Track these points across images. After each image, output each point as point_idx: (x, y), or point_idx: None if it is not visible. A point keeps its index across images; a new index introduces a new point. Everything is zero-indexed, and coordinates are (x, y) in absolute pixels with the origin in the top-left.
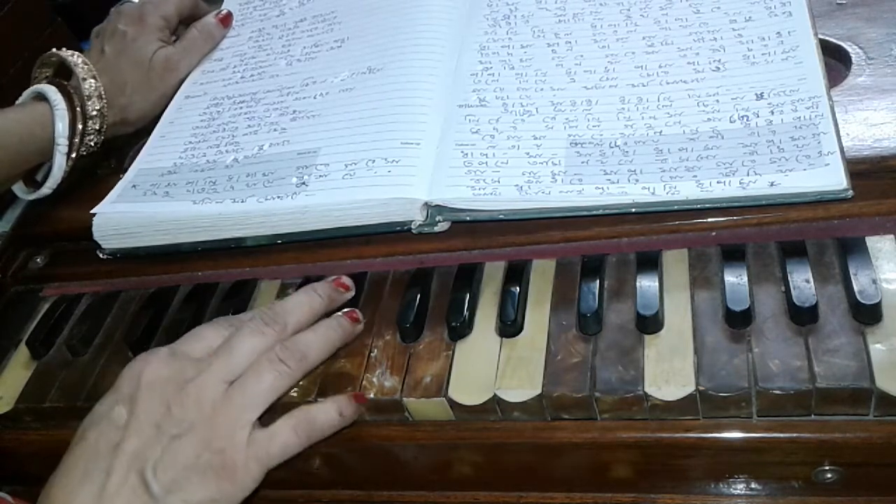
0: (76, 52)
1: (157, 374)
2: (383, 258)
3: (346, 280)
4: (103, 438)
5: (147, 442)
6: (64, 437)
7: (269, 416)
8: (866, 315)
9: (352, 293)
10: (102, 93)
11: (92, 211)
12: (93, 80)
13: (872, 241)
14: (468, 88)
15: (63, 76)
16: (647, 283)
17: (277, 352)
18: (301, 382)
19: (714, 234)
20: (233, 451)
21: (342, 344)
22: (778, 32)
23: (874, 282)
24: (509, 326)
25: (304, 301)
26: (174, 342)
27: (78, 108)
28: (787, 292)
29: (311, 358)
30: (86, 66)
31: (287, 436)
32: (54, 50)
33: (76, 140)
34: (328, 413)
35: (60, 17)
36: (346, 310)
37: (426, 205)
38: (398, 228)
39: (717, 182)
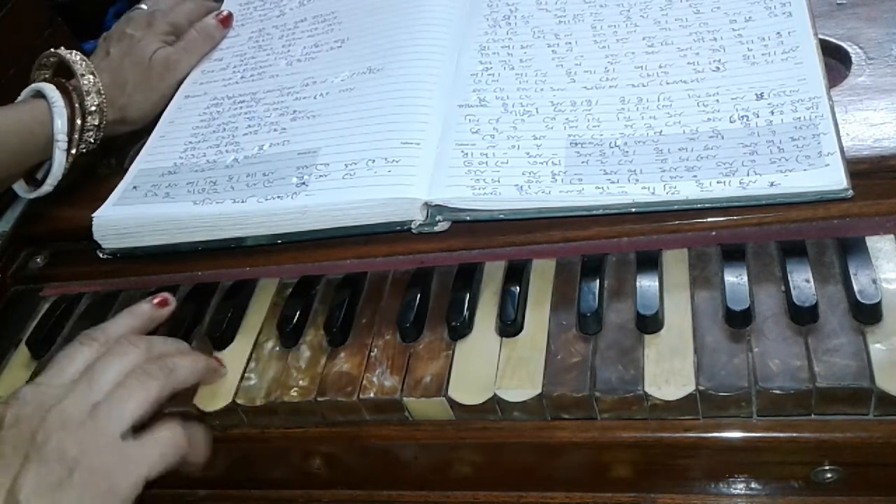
0: (74, 51)
1: (19, 412)
2: (383, 258)
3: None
4: None
5: (16, 472)
6: None
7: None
8: (866, 315)
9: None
10: (101, 88)
11: (93, 215)
12: (91, 76)
13: (872, 241)
14: (468, 88)
15: (62, 76)
16: (647, 283)
17: (144, 366)
18: (301, 382)
19: (714, 233)
20: (106, 462)
21: (207, 378)
22: (778, 32)
23: (874, 282)
24: (509, 326)
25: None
26: (39, 375)
27: (76, 105)
28: (787, 292)
29: (179, 374)
30: (83, 63)
31: (162, 443)
32: (52, 50)
33: (75, 136)
34: (200, 432)
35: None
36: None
37: (426, 205)
38: (398, 228)
39: (717, 182)
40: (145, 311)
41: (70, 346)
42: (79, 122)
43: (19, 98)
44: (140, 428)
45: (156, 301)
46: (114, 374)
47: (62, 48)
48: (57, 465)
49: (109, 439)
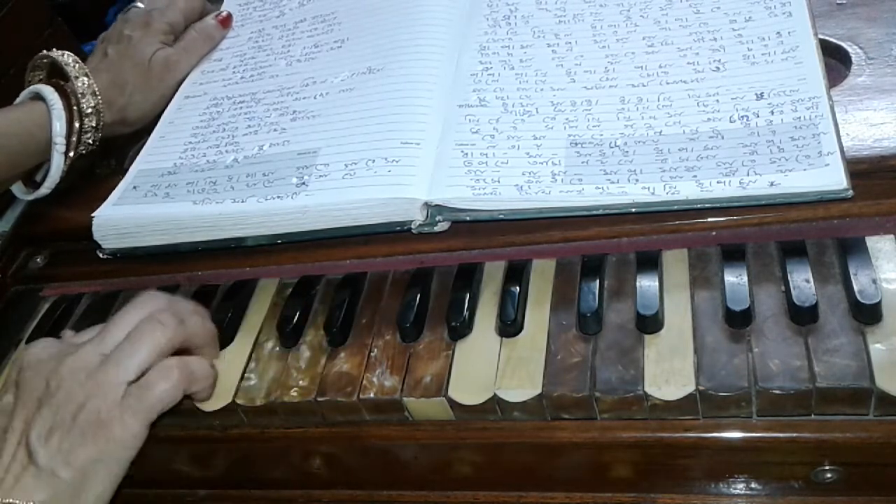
0: (67, 52)
1: (37, 356)
2: (383, 258)
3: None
4: None
5: (30, 417)
6: None
7: None
8: (866, 315)
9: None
10: (96, 90)
11: (93, 214)
12: (85, 78)
13: (872, 241)
14: (468, 88)
15: (58, 77)
16: (647, 283)
17: (157, 315)
18: (301, 382)
19: (714, 234)
20: (107, 409)
21: (213, 347)
22: (778, 32)
23: (874, 282)
24: (509, 326)
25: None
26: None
27: (75, 108)
28: (787, 292)
29: (189, 326)
30: (77, 65)
31: (160, 384)
32: (45, 51)
33: (73, 139)
34: (201, 363)
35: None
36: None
37: (426, 205)
38: (398, 228)
39: (717, 182)
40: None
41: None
42: (77, 124)
43: (17, 100)
44: None
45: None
46: (128, 325)
47: (54, 50)
48: (64, 410)
49: (115, 385)
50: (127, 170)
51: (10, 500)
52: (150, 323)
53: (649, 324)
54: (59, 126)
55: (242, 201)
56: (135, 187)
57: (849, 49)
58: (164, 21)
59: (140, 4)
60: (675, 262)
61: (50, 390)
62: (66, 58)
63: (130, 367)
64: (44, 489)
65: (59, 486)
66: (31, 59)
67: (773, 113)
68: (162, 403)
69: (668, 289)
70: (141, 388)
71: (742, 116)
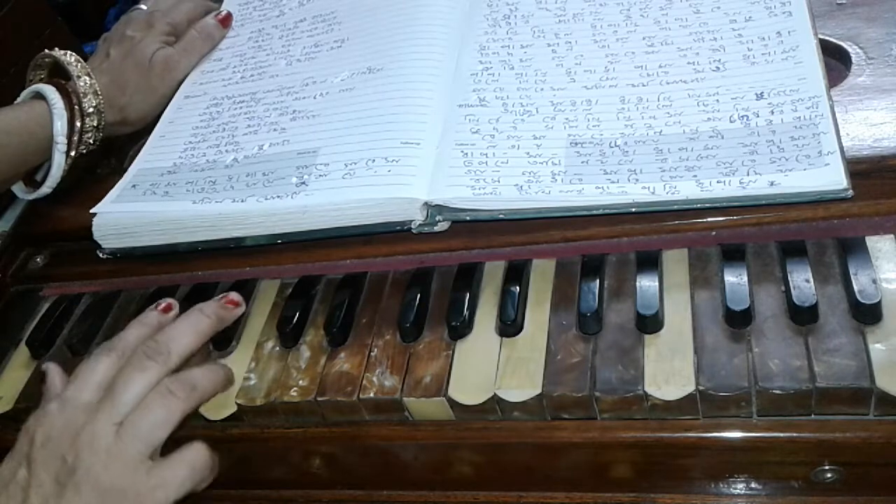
0: (69, 52)
1: (49, 430)
2: (383, 258)
3: (235, 296)
4: (12, 501)
5: (49, 496)
6: None
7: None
8: (866, 315)
9: (242, 309)
10: (98, 90)
11: (92, 210)
12: (87, 78)
13: (872, 241)
14: (468, 88)
15: (59, 76)
16: (647, 283)
17: (167, 384)
18: (301, 382)
19: (714, 233)
20: (135, 486)
21: (227, 386)
22: (778, 32)
23: (874, 281)
24: (509, 326)
25: (189, 325)
26: (62, 390)
27: (76, 107)
28: (787, 292)
29: (201, 390)
30: (79, 64)
31: (182, 471)
32: (47, 50)
33: (75, 138)
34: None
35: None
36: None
37: (426, 204)
38: (398, 228)
39: (717, 182)
40: (153, 318)
41: (90, 358)
42: (78, 123)
43: (19, 99)
44: (165, 445)
45: (161, 307)
46: (137, 389)
47: (56, 49)
48: (89, 492)
49: (137, 462)
50: (127, 169)
51: None
52: (162, 396)
53: (649, 324)
54: (60, 125)
55: (242, 201)
56: (134, 186)
57: (849, 49)
58: (166, 22)
59: (143, 6)
60: (675, 262)
61: (68, 468)
62: (69, 57)
63: (151, 443)
64: None
65: None
66: (33, 59)
67: (773, 113)
68: (187, 486)
69: (668, 289)
70: (172, 465)
71: (742, 116)
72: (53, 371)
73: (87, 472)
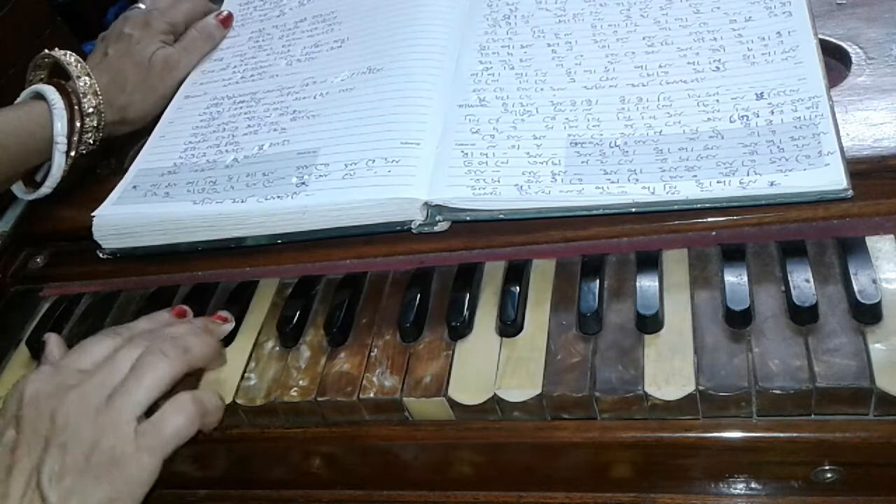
0: (69, 52)
1: (38, 389)
2: (383, 258)
3: (224, 313)
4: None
5: (38, 456)
6: None
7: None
8: (866, 315)
9: (231, 325)
10: (97, 90)
11: (92, 214)
12: (87, 78)
13: (872, 241)
14: (468, 88)
15: (59, 76)
16: (647, 283)
17: (159, 344)
18: (301, 382)
19: (714, 233)
20: (121, 447)
21: (217, 355)
22: (778, 32)
23: (874, 281)
24: (509, 326)
25: (191, 330)
26: (63, 356)
27: (76, 107)
28: (787, 292)
29: (194, 353)
30: (79, 65)
31: (175, 418)
32: (47, 51)
33: (74, 138)
34: (212, 397)
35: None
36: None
37: (426, 204)
38: (398, 228)
39: (717, 182)
40: (165, 317)
41: (95, 336)
42: (78, 123)
43: (19, 99)
44: (156, 406)
45: (175, 311)
46: (131, 356)
47: (56, 49)
48: (75, 450)
49: (125, 423)
50: (127, 169)
51: None
52: (153, 355)
53: (649, 324)
54: (60, 125)
55: (242, 201)
56: (135, 187)
57: (849, 49)
58: (164, 21)
59: (141, 5)
60: (675, 262)
61: (56, 427)
62: (69, 57)
63: (139, 402)
64: None
65: None
66: (33, 59)
67: (773, 113)
68: (178, 439)
69: (668, 289)
70: (156, 424)
71: (742, 116)
72: (53, 341)
73: (75, 432)
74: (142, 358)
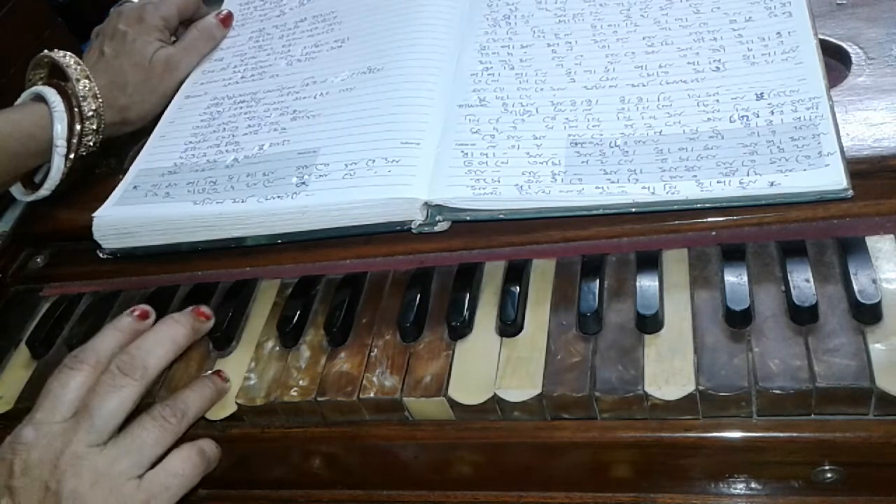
0: (68, 53)
1: (27, 457)
2: (383, 258)
3: (206, 309)
4: None
5: None
6: None
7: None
8: (866, 315)
9: (212, 322)
10: (97, 92)
11: (93, 215)
12: (86, 81)
13: (872, 241)
14: (468, 88)
15: (58, 77)
16: (647, 283)
17: (160, 411)
18: (301, 382)
19: (714, 233)
20: None
21: (217, 399)
22: (778, 32)
23: (874, 281)
24: (509, 326)
25: (164, 336)
26: (33, 410)
27: (75, 109)
28: (787, 292)
29: (192, 413)
30: (78, 67)
31: (173, 480)
32: (46, 51)
33: (74, 141)
34: (209, 444)
35: (60, 17)
36: (215, 370)
37: (426, 204)
38: (398, 228)
39: (717, 182)
40: (128, 324)
41: (59, 371)
42: (78, 126)
43: (19, 101)
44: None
45: (136, 314)
46: (113, 407)
47: (55, 50)
48: None
49: (125, 480)
50: (127, 169)
51: None
52: (154, 420)
53: (649, 324)
54: (60, 128)
55: (242, 201)
56: (135, 187)
57: (849, 49)
58: (158, 16)
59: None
60: (675, 262)
61: (52, 494)
62: (68, 59)
63: (142, 464)
64: None
65: None
66: (33, 59)
67: (773, 113)
68: (182, 492)
69: (668, 289)
70: (163, 480)
71: (742, 116)
72: None
73: (73, 496)
74: (143, 421)
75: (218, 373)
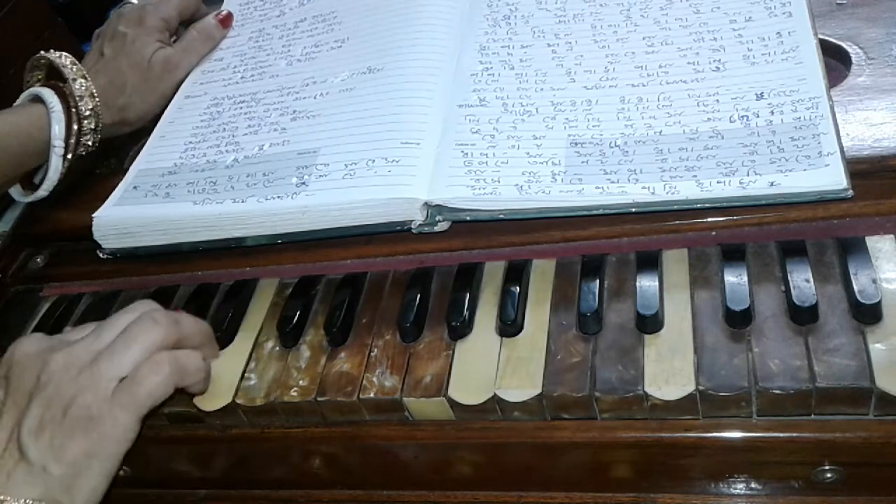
0: (64, 53)
1: (27, 351)
2: (383, 258)
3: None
4: None
5: (20, 412)
6: None
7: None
8: (866, 315)
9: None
10: (94, 92)
11: (93, 215)
12: (83, 80)
13: (872, 241)
14: (468, 88)
15: (56, 78)
16: (647, 283)
17: (151, 313)
18: (301, 382)
19: (714, 233)
20: (97, 404)
21: (209, 347)
22: (778, 32)
23: (874, 281)
24: (509, 326)
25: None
26: None
27: (73, 110)
28: (787, 292)
29: (184, 326)
30: (74, 66)
31: (150, 378)
32: (42, 52)
33: (72, 141)
34: (191, 355)
35: (60, 17)
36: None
37: (426, 204)
38: (398, 228)
39: (717, 182)
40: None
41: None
42: (75, 126)
43: (17, 102)
44: None
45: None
46: (122, 325)
47: (52, 51)
48: (54, 406)
49: (105, 381)
50: (127, 170)
51: (2, 497)
52: (144, 321)
53: (649, 324)
54: (57, 129)
55: (242, 201)
56: (135, 187)
57: (849, 49)
58: (157, 17)
59: (133, 1)
60: (675, 262)
61: (40, 385)
62: (64, 59)
63: (122, 363)
64: (36, 485)
65: (50, 481)
66: (30, 60)
67: (773, 113)
68: (152, 398)
69: (668, 289)
70: (131, 382)
71: (742, 116)
72: None
73: (56, 389)
74: (132, 324)
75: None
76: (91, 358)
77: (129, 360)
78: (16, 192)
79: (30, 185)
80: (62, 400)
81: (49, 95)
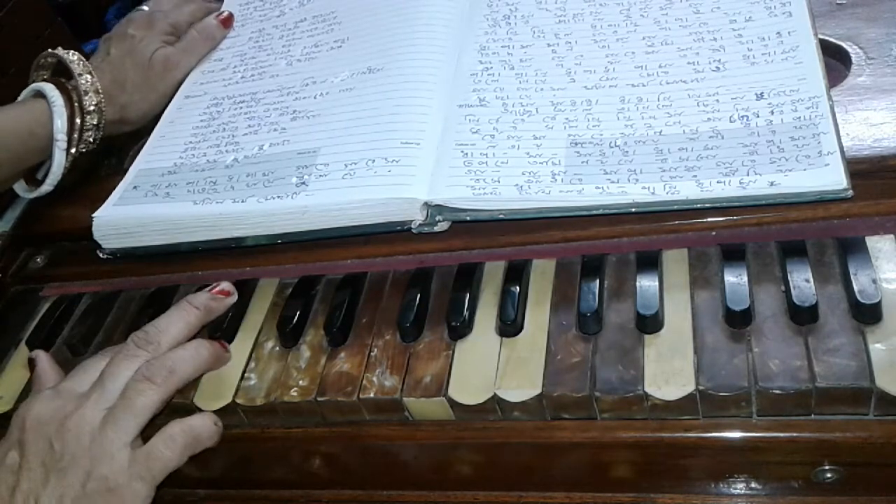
0: (72, 51)
1: (39, 415)
2: (383, 258)
3: (227, 286)
4: (3, 484)
5: (37, 481)
6: None
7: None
8: (866, 315)
9: (234, 298)
10: (99, 88)
11: (93, 215)
12: (88, 76)
13: (872, 241)
14: (468, 88)
15: (61, 75)
16: (647, 283)
17: (143, 370)
18: (301, 382)
19: (714, 233)
20: (115, 475)
21: (212, 365)
22: (778, 32)
23: (874, 281)
24: (509, 326)
25: (178, 317)
26: (63, 380)
27: (76, 104)
28: (787, 292)
29: (180, 372)
30: (81, 63)
31: (165, 453)
32: (50, 50)
33: (75, 136)
34: (204, 422)
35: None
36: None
37: (426, 204)
38: (398, 228)
39: (717, 182)
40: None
41: (95, 356)
42: (78, 121)
43: (19, 98)
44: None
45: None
46: (125, 376)
47: (59, 48)
48: (72, 478)
49: (117, 451)
50: (127, 169)
51: None
52: (141, 382)
53: (649, 324)
54: (60, 123)
55: (242, 201)
56: (135, 187)
57: (849, 49)
58: (167, 22)
59: (145, 7)
60: (675, 262)
61: (55, 454)
62: (72, 55)
63: (129, 431)
64: None
65: None
66: (36, 58)
67: (773, 113)
68: (167, 469)
69: (668, 289)
70: (148, 456)
71: (742, 116)
72: (43, 360)
73: (72, 459)
74: (129, 385)
75: (220, 341)
76: (101, 418)
77: (135, 424)
78: (20, 187)
79: (33, 180)
80: (79, 472)
81: (50, 90)
